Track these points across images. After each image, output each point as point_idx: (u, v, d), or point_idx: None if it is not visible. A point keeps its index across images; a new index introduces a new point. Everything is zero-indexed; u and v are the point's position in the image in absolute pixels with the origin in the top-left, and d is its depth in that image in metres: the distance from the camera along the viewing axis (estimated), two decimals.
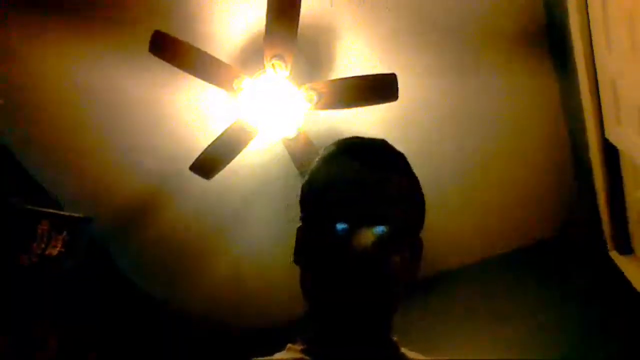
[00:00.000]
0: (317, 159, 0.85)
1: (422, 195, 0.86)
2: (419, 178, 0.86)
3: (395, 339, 0.83)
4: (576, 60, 2.05)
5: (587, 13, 1.88)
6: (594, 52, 1.96)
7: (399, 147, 0.86)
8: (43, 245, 2.30)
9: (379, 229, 0.74)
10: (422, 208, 0.85)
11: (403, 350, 0.85)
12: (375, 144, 0.85)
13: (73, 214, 2.39)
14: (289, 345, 0.85)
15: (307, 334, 0.82)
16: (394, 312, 0.80)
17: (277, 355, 0.84)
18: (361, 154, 0.81)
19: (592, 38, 1.93)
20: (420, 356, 0.86)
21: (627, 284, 2.43)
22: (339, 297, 0.74)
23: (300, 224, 0.82)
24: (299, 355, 0.81)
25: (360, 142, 0.85)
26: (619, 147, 2.11)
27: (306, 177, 0.85)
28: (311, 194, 0.83)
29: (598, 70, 1.98)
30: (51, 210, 2.39)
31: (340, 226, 0.74)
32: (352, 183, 0.78)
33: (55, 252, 2.46)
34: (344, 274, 0.74)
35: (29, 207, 2.28)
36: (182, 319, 3.12)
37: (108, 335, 2.82)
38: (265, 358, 0.83)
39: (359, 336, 0.77)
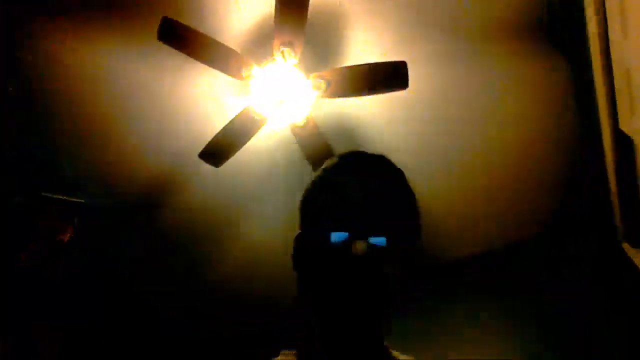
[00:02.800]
0: (318, 171, 0.89)
1: (418, 209, 0.88)
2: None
3: (385, 343, 0.86)
4: (591, 48, 2.01)
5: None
6: (610, 40, 1.92)
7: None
8: (48, 236, 2.34)
9: (376, 240, 0.77)
10: (418, 222, 0.87)
11: (395, 353, 0.87)
12: (374, 159, 0.87)
13: (79, 200, 2.43)
14: (283, 351, 0.87)
15: (300, 339, 0.85)
16: (386, 318, 0.82)
17: None
18: (361, 168, 0.85)
19: (608, 26, 1.89)
20: (412, 358, 0.88)
21: (637, 274, 2.39)
22: (335, 305, 0.77)
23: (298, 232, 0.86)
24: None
25: (360, 157, 0.88)
26: (633, 137, 2.07)
27: (307, 187, 0.88)
28: (311, 204, 0.86)
29: (613, 60, 1.94)
30: (57, 197, 2.42)
31: (338, 237, 0.77)
32: (351, 196, 0.81)
33: (66, 238, 2.50)
34: (340, 283, 0.76)
35: (31, 200, 2.31)
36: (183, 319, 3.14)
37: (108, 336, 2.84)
38: None
39: (352, 342, 0.80)
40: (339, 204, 0.81)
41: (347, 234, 0.77)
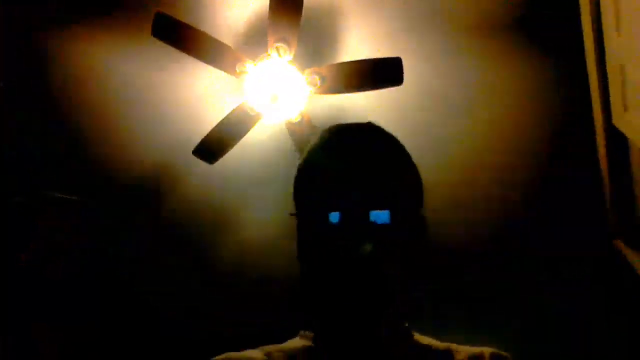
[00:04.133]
0: (304, 153, 0.84)
1: (416, 173, 0.84)
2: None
3: (406, 324, 0.83)
4: (585, 44, 2.02)
5: None
6: (604, 36, 1.92)
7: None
8: (47, 236, 2.32)
9: (379, 215, 0.73)
10: (418, 187, 0.84)
11: (417, 336, 0.85)
12: (361, 128, 0.83)
13: (77, 198, 2.41)
14: (301, 332, 0.85)
15: (314, 325, 0.82)
16: (401, 298, 0.79)
17: (289, 343, 0.84)
18: (347, 141, 0.81)
19: (602, 22, 1.90)
20: (434, 341, 0.85)
21: (629, 270, 2.41)
22: (338, 290, 0.73)
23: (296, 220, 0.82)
24: (310, 343, 0.82)
25: (345, 129, 0.84)
26: (626, 134, 2.08)
27: (297, 171, 0.84)
28: (301, 187, 0.82)
29: (607, 55, 1.95)
30: (57, 195, 2.41)
31: (333, 216, 0.73)
32: (340, 171, 0.77)
33: (66, 237, 2.48)
34: (340, 265, 0.73)
35: (31, 200, 2.30)
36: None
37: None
38: (276, 345, 0.83)
39: (365, 325, 0.75)
40: (333, 182, 0.77)
41: (343, 211, 0.72)
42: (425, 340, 0.85)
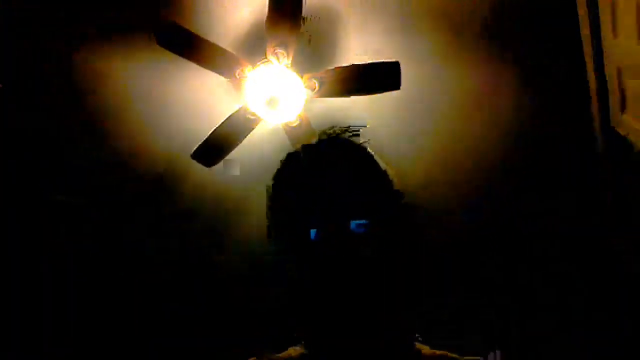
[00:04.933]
0: (276, 173, 0.84)
1: (388, 180, 0.83)
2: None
3: (418, 337, 0.84)
4: (583, 46, 2.02)
5: None
6: (602, 39, 1.93)
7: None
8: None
9: (357, 225, 0.74)
10: (393, 196, 0.83)
11: (419, 346, 0.85)
12: (332, 143, 0.84)
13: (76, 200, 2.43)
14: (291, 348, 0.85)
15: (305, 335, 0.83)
16: (401, 308, 0.80)
17: (287, 352, 0.85)
18: (321, 156, 0.82)
19: (600, 25, 1.90)
20: (437, 352, 0.85)
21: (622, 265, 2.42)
22: (330, 299, 0.74)
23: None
24: (304, 351, 0.82)
25: (314, 147, 0.84)
26: (625, 135, 2.09)
27: (268, 193, 0.84)
28: (281, 208, 0.82)
29: (605, 58, 1.96)
30: (59, 198, 2.42)
31: (313, 232, 0.74)
32: (314, 188, 0.78)
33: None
34: (330, 275, 0.74)
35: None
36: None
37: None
38: (273, 355, 0.84)
39: (357, 335, 0.76)
40: (309, 199, 0.77)
41: (321, 226, 0.74)
42: (427, 350, 0.85)
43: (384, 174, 0.83)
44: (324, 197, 0.77)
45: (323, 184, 0.78)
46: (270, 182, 0.84)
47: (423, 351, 0.85)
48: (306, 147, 0.85)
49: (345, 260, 0.73)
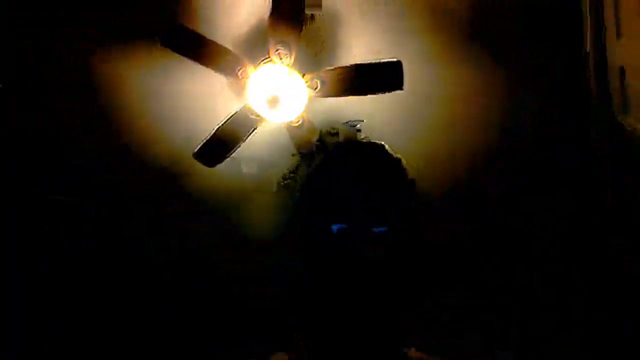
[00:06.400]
0: (313, 165, 0.89)
1: (415, 200, 0.87)
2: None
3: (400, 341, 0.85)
4: (586, 45, 2.02)
5: None
6: (605, 39, 1.93)
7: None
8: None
9: (377, 230, 0.77)
10: (416, 215, 0.86)
11: (407, 350, 0.87)
12: (369, 148, 0.87)
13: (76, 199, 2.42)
14: (274, 354, 0.87)
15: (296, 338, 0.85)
16: (400, 310, 0.81)
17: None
18: (356, 159, 0.85)
19: (604, 25, 1.90)
20: (425, 356, 0.87)
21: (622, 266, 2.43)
22: (341, 298, 0.77)
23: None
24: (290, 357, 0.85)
25: (354, 147, 0.91)
26: (627, 135, 2.09)
27: (303, 182, 0.89)
28: (310, 200, 0.85)
29: (608, 58, 1.96)
30: (57, 197, 2.41)
31: (338, 228, 0.77)
32: (349, 189, 0.81)
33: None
34: (346, 275, 0.76)
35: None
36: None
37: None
38: None
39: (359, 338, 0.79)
40: (337, 198, 0.80)
41: (348, 225, 0.77)
42: (414, 354, 0.87)
43: (411, 182, 0.87)
44: (354, 199, 0.80)
45: (355, 187, 0.81)
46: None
47: (412, 355, 0.87)
48: (339, 147, 0.91)
49: (364, 259, 0.76)
